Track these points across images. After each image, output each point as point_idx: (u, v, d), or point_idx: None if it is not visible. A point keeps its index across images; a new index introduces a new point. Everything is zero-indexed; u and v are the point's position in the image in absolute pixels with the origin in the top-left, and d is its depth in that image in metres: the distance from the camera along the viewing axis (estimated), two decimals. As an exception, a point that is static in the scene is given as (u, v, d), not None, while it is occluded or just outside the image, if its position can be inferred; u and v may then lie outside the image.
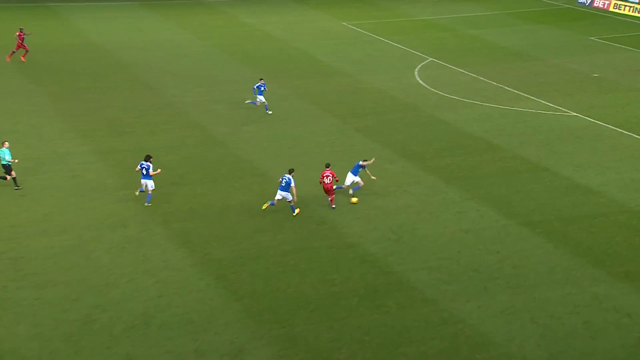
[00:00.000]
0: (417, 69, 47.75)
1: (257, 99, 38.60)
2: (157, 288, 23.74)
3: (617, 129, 36.93)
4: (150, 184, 27.42)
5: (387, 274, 24.64)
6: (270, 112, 38.33)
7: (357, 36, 56.03)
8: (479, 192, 30.33)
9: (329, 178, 27.76)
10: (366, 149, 34.90)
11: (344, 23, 59.01)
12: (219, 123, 38.30)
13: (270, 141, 35.99)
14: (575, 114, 39.28)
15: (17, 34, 45.00)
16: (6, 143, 28.89)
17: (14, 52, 44.89)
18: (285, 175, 27.22)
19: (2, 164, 28.52)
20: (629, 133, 36.50)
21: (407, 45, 52.96)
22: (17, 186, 28.39)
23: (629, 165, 32.77)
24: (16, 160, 29.10)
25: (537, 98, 41.75)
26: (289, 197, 27.38)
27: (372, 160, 29.18)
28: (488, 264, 25.18)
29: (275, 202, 27.15)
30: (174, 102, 41.77)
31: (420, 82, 45.27)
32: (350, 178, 28.88)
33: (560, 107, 40.24)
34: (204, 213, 28.48)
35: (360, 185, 28.84)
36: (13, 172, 28.59)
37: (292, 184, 26.87)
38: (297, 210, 27.60)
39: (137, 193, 27.87)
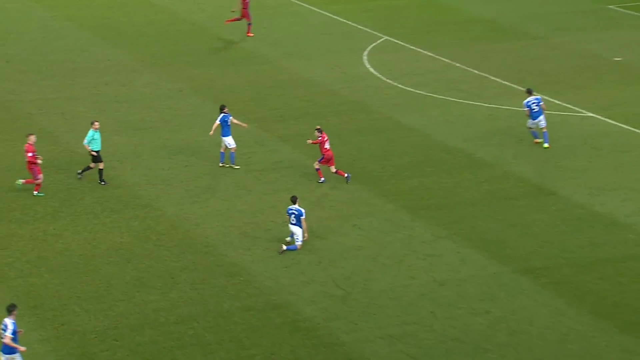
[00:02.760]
0: (366, 52, 48.41)
1: None
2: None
3: (649, 135, 38.31)
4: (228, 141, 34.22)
5: (330, 347, 24.77)
6: None
7: (280, 5, 56.53)
8: (459, 226, 30.80)
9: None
10: (297, 166, 35.22)
11: (261, -14, 59.54)
12: (80, 131, 38.19)
13: (156, 157, 36.10)
14: (591, 114, 40.37)
15: None
16: (97, 123, 33.53)
17: (238, 19, 50.02)
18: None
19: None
20: (666, 141, 37.88)
21: (352, 19, 53.69)
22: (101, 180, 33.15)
23: (666, 187, 33.93)
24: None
25: (537, 92, 42.98)
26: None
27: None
28: (474, 330, 25.47)
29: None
30: (9, 101, 41.67)
31: (372, 70, 45.88)
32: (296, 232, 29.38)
33: (570, 104, 41.32)
34: (59, 263, 28.42)
35: (299, 243, 29.24)
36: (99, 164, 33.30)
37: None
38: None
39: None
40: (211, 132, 34.73)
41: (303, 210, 29.08)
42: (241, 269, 28.09)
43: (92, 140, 33.02)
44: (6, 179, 33.89)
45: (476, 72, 45.27)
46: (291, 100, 41.89)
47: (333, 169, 33.53)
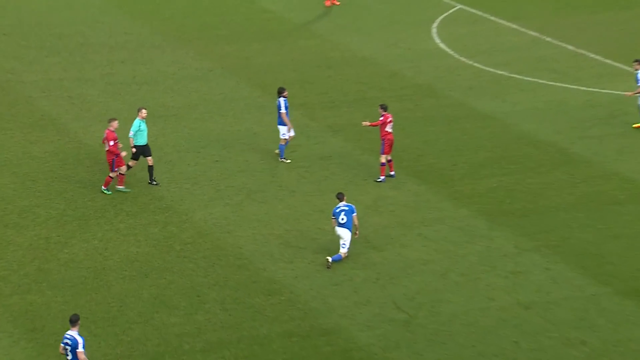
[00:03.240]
0: (435, 24, 48.25)
1: None
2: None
3: None
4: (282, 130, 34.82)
5: (390, 383, 24.84)
6: None
7: (332, -33, 56.65)
8: (549, 237, 30.58)
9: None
10: (350, 162, 35.16)
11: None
12: (90, 118, 38.57)
13: (180, 150, 36.19)
14: None
15: None
16: (144, 110, 33.38)
17: None
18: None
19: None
20: None
21: (419, -17, 53.70)
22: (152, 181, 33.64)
23: None
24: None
25: (645, 74, 42.55)
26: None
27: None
28: (567, 364, 25.40)
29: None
30: (7, 81, 42.07)
31: (442, 46, 45.76)
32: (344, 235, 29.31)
33: (686, 89, 40.91)
34: (64, 277, 28.55)
35: (345, 250, 29.26)
36: (150, 159, 33.37)
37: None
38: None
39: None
40: (290, 131, 34.51)
41: (354, 206, 29.12)
42: (282, 286, 28.05)
43: (138, 131, 32.81)
44: (2, 175, 34.09)
45: (571, 48, 45.04)
46: (344, 82, 41.84)
47: (388, 157, 33.49)
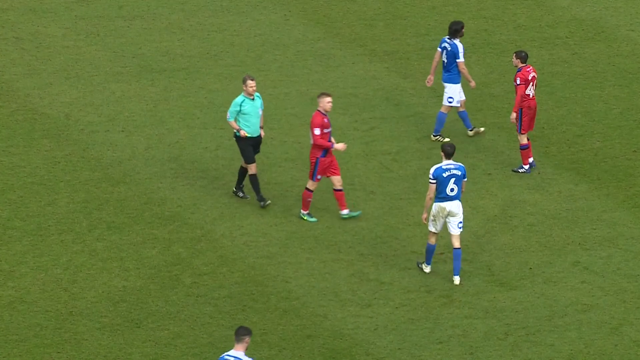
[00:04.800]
0: None
1: None
2: None
3: None
4: None
5: None
6: None
7: None
8: None
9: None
10: (465, 146, 35.43)
11: None
12: (52, 73, 39.22)
13: (192, 126, 36.61)
14: None
15: None
16: (250, 82, 33.22)
17: None
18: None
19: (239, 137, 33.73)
20: None
21: None
22: (261, 200, 33.79)
23: None
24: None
25: None
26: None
27: None
28: None
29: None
30: None
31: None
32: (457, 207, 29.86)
33: None
34: (8, 326, 28.70)
35: (458, 232, 29.76)
36: (252, 167, 33.68)
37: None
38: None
39: None
40: (461, 94, 35.25)
41: (464, 167, 29.70)
42: (353, 343, 28.14)
43: (243, 114, 32.71)
44: None
45: None
46: (455, 17, 41.57)
47: (524, 140, 34.07)
